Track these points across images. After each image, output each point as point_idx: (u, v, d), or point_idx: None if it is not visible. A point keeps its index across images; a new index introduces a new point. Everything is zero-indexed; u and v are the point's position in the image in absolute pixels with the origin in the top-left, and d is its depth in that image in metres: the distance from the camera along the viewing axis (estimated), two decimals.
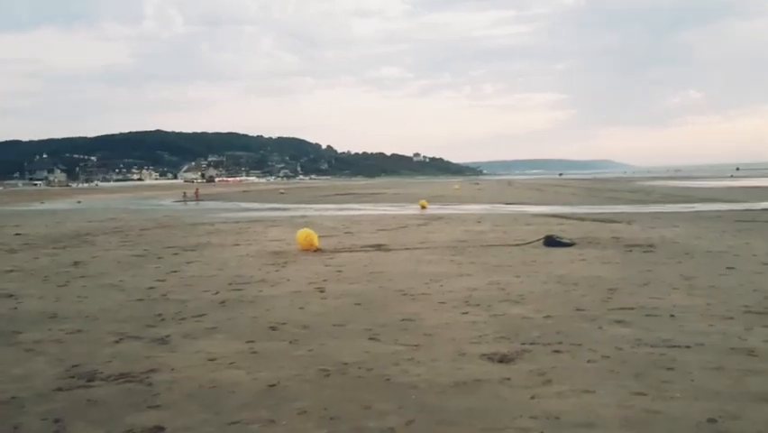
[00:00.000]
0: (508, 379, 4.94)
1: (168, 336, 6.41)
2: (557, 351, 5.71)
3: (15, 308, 8.01)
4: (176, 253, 13.66)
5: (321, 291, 8.84)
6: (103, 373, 5.23)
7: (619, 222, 20.94)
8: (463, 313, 7.29)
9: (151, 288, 9.35)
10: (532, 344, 5.94)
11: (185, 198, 52.49)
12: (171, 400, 4.60)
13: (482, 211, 29.56)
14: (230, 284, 9.58)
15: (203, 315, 7.43)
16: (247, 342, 6.17)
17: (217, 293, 8.86)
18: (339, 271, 10.65)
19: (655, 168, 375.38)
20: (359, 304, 7.93)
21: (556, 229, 17.27)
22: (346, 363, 5.39)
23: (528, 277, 9.82)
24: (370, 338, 6.23)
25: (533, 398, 4.52)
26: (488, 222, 21.37)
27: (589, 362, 5.35)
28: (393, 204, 40.40)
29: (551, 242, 14.14)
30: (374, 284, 9.40)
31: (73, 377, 5.15)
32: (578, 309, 7.43)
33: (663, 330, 6.33)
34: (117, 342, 6.25)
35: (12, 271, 11.38)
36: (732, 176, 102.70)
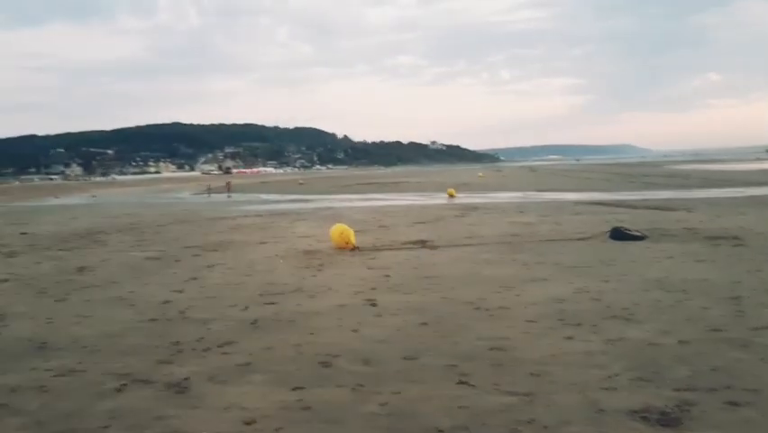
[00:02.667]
0: None
1: (186, 380, 4.81)
2: (733, 403, 4.02)
3: None
4: (196, 255, 12.11)
5: (373, 305, 7.20)
6: None
7: (676, 209, 19.10)
8: (567, 338, 5.61)
9: (167, 302, 7.77)
10: (689, 390, 4.26)
11: (210, 191, 50.54)
12: None
13: (518, 200, 27.73)
14: (261, 295, 7.98)
15: (231, 342, 5.83)
16: (294, 388, 4.55)
17: (247, 308, 7.26)
18: (387, 277, 9.00)
19: (675, 152, 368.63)
20: (425, 324, 6.28)
21: (611, 219, 15.52)
22: (441, 431, 3.76)
23: (619, 282, 8.10)
24: (460, 382, 4.58)
25: None
26: (531, 212, 19.59)
27: None
28: (419, 193, 38.68)
29: (619, 235, 12.39)
30: (434, 294, 7.74)
31: None
32: (714, 330, 5.72)
33: None
34: (119, 390, 4.65)
35: (6, 280, 9.87)
36: (758, 158, 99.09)
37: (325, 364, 5.09)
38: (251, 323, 6.56)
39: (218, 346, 5.71)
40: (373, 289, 8.12)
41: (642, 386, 4.36)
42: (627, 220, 15.23)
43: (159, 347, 5.76)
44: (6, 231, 19.62)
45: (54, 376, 5.00)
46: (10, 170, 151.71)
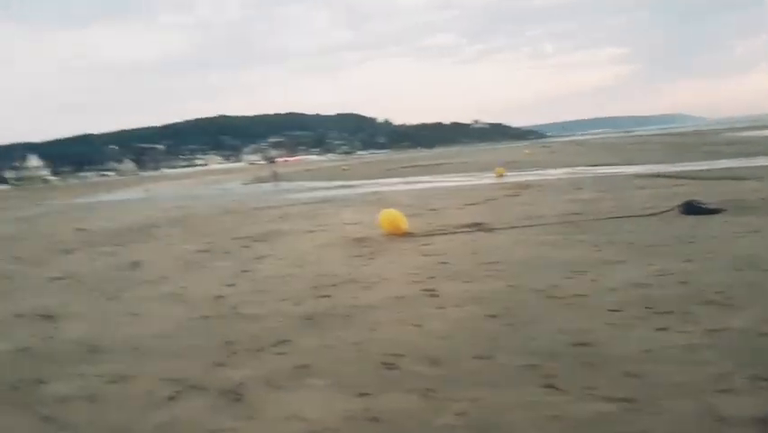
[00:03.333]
0: None
1: (242, 385, 4.43)
2: None
3: (51, 337, 6.26)
4: (245, 246, 11.85)
5: (433, 296, 6.71)
6: None
7: (746, 179, 17.83)
8: (660, 329, 5.00)
9: (219, 297, 7.46)
10: None
11: (258, 180, 50.99)
12: None
13: (571, 176, 26.66)
14: (314, 288, 7.59)
15: (287, 341, 5.44)
16: (359, 394, 4.12)
17: (300, 303, 6.87)
18: (444, 263, 8.48)
19: (731, 119, 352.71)
20: (494, 316, 5.75)
21: (678, 192, 14.58)
22: None
23: (705, 261, 7.36)
24: (546, 385, 4.05)
25: None
26: (589, 188, 18.67)
27: None
28: (465, 174, 37.83)
29: (692, 209, 11.50)
30: (498, 281, 7.19)
31: None
32: None
33: None
34: (172, 398, 4.32)
35: (60, 278, 9.80)
36: None
37: (389, 366, 4.63)
38: (306, 319, 6.16)
39: (273, 346, 5.34)
40: (431, 277, 7.62)
41: (764, 387, 3.74)
42: (696, 192, 14.22)
43: (212, 348, 5.42)
44: (63, 228, 19.95)
45: (105, 383, 4.71)
46: (67, 169, 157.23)
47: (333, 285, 7.64)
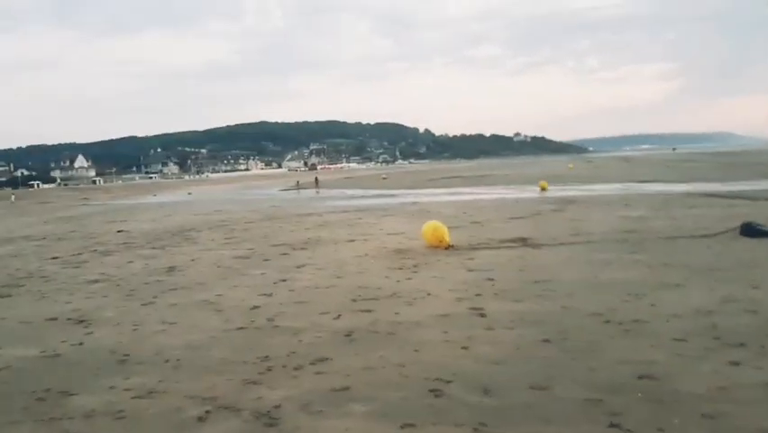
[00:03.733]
0: None
1: (277, 409, 4.13)
2: None
3: (81, 343, 6.08)
4: (284, 253, 11.64)
5: (481, 315, 6.32)
6: None
7: None
8: (733, 364, 4.51)
9: (255, 307, 7.22)
10: None
11: (298, 187, 51.61)
12: None
13: (618, 192, 25.84)
14: (354, 301, 7.28)
15: (325, 359, 5.13)
16: (404, 425, 3.77)
17: (339, 316, 6.57)
18: (490, 280, 8.08)
19: None
20: (548, 341, 5.33)
21: (733, 213, 13.87)
22: None
23: None
24: (612, 425, 3.63)
25: None
26: (639, 205, 17.96)
27: None
28: (507, 186, 37.19)
29: (752, 231, 10.84)
30: (550, 302, 6.75)
31: None
32: None
33: None
34: (202, 419, 4.04)
35: (97, 281, 9.73)
36: None
37: (437, 393, 4.27)
38: (346, 335, 5.85)
39: (311, 364, 5.03)
40: (478, 295, 7.23)
41: None
42: (752, 214, 13.46)
43: (246, 363, 5.15)
44: (104, 229, 20.19)
45: (133, 398, 4.47)
46: (113, 170, 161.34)
47: (375, 299, 7.32)
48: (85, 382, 4.87)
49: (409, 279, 8.50)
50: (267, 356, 5.29)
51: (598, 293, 7.03)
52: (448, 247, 11.11)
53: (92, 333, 6.49)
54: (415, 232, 13.93)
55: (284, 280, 8.86)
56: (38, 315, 7.47)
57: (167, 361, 5.32)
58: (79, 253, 13.53)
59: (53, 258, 13.07)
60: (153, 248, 13.79)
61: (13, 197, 59.16)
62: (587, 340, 5.29)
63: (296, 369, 4.93)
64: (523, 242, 11.45)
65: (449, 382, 4.45)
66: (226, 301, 7.66)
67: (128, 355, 5.53)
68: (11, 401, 4.54)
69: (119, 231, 18.63)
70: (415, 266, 9.48)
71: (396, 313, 6.59)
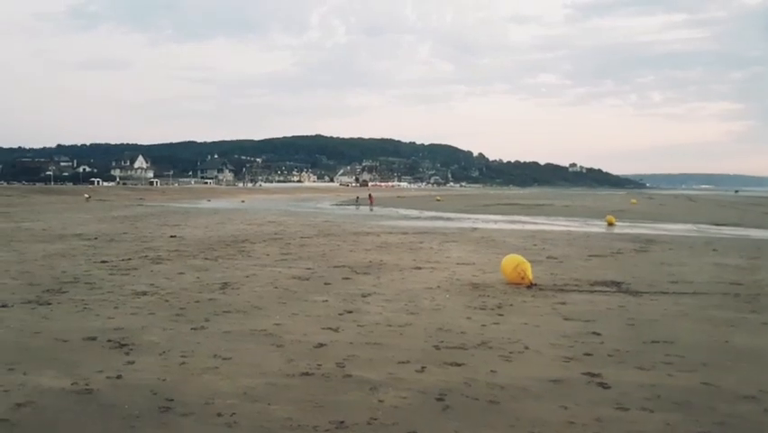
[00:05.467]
0: None
1: None
2: None
3: (119, 376, 5.11)
4: (346, 278, 10.60)
5: (602, 385, 5.06)
6: None
7: None
8: None
9: (321, 345, 6.15)
10: None
11: (357, 203, 50.86)
12: None
13: (696, 234, 23.92)
14: (437, 348, 6.13)
15: None
16: None
17: (424, 369, 5.41)
18: (596, 335, 6.79)
19: None
20: None
21: None
22: None
23: None
24: None
25: None
26: (728, 251, 16.22)
27: None
28: (570, 218, 35.46)
29: None
30: (684, 373, 5.42)
31: None
32: None
33: None
34: None
35: (145, 293, 8.87)
36: None
37: None
38: (438, 399, 4.68)
39: None
40: (588, 355, 5.96)
41: None
42: None
43: (317, 430, 4.05)
44: (157, 233, 19.67)
45: None
46: (171, 173, 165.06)
47: (462, 348, 6.14)
48: None
49: (497, 324, 7.28)
50: (342, 422, 4.18)
51: (739, 366, 5.67)
52: (531, 286, 9.86)
53: (133, 362, 5.52)
54: (486, 263, 12.75)
55: (350, 312, 7.78)
56: (77, 331, 6.59)
57: (219, 415, 4.28)
58: (129, 259, 12.84)
59: (102, 261, 12.40)
60: (206, 258, 12.98)
61: (86, 195, 60.51)
62: None
63: None
64: (617, 286, 10.08)
65: None
66: (287, 334, 6.62)
67: (172, 401, 4.51)
68: None
69: (172, 236, 18.03)
70: (499, 307, 8.25)
71: (492, 371, 5.39)
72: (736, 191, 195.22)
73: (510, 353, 6.00)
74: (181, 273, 10.84)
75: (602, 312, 8.02)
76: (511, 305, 8.43)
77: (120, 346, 6.06)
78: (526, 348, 6.18)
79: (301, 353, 5.90)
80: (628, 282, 10.45)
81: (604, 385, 5.05)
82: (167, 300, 8.40)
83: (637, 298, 9.16)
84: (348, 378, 5.18)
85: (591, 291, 9.65)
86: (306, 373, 5.26)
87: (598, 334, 6.80)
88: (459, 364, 5.57)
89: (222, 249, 14.81)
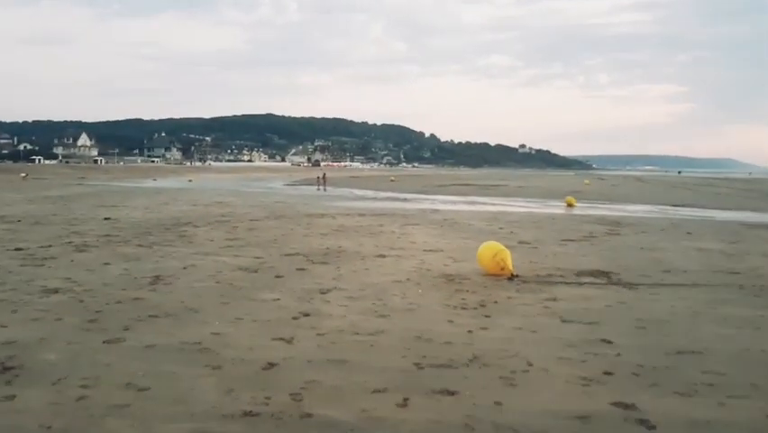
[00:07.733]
0: None
1: None
2: None
3: None
4: (300, 268, 9.20)
5: (644, 424, 3.86)
6: None
7: None
8: None
9: (271, 366, 4.76)
10: None
11: (319, 184, 46.14)
12: None
13: (658, 215, 23.41)
14: (419, 366, 4.83)
15: None
16: None
17: (407, 402, 4.11)
18: (607, 343, 5.61)
19: None
20: None
21: None
22: None
23: None
24: None
25: None
26: (703, 234, 15.53)
27: None
28: (528, 199, 34.83)
29: None
30: (736, 400, 4.29)
31: None
32: None
33: None
34: None
35: (56, 291, 7.26)
36: None
37: None
38: None
39: None
40: (608, 374, 4.76)
41: None
42: None
43: None
44: (90, 214, 17.78)
45: None
46: (116, 151, 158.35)
47: (450, 366, 4.86)
48: None
49: (485, 329, 6.04)
50: None
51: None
52: (512, 277, 8.68)
53: (13, 397, 4.03)
54: (455, 249, 11.56)
55: (307, 315, 6.40)
56: None
57: None
58: (49, 246, 11.09)
59: (16, 249, 10.65)
60: (139, 245, 11.34)
61: (23, 174, 56.75)
62: None
63: None
64: (606, 277, 9.00)
65: None
66: (227, 348, 5.20)
67: None
68: None
69: (106, 219, 16.20)
70: (482, 306, 7.02)
71: (497, 403, 4.13)
72: (679, 172, 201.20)
73: (512, 372, 4.75)
74: (106, 264, 9.21)
75: (602, 311, 6.88)
76: (495, 302, 7.21)
77: (3, 371, 4.54)
78: (530, 365, 4.94)
79: (245, 378, 4.50)
80: (617, 272, 9.39)
81: (647, 424, 3.85)
82: (81, 301, 6.83)
83: (633, 291, 8.07)
84: (307, 419, 3.82)
85: (580, 284, 8.53)
86: (250, 414, 3.88)
87: (610, 342, 5.63)
88: (451, 393, 4.28)
89: (159, 234, 13.14)
